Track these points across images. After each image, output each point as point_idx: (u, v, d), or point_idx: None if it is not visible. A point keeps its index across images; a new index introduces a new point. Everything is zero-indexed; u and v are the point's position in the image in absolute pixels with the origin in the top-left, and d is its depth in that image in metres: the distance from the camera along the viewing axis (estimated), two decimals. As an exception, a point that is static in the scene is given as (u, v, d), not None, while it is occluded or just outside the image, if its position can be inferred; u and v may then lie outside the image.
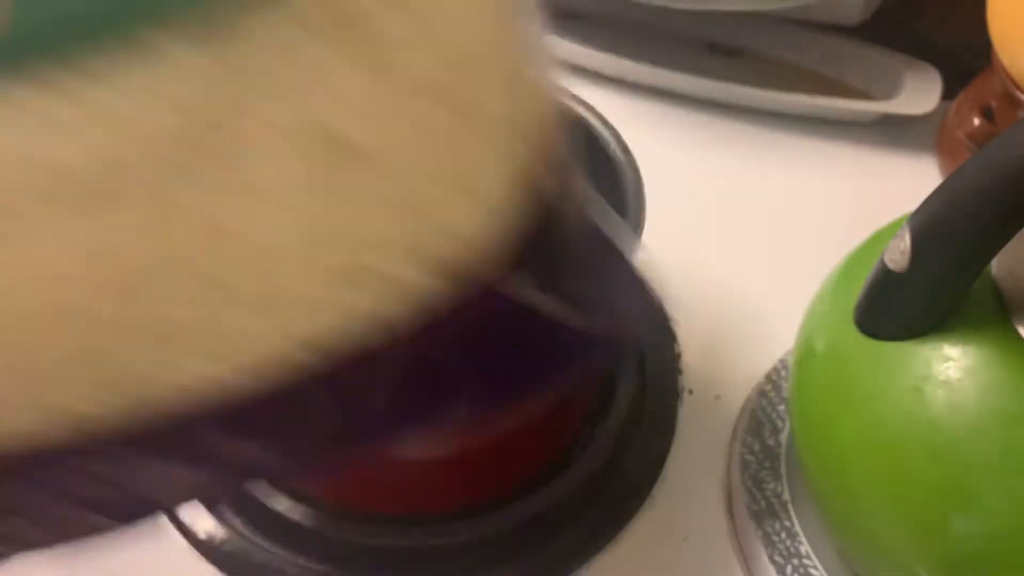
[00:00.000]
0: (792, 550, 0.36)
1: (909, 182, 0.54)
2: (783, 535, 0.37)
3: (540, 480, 0.38)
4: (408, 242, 0.18)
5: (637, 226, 0.33)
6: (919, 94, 0.56)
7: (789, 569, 0.36)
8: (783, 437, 0.40)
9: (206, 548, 0.38)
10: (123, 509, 0.24)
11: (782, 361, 0.43)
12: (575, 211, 0.23)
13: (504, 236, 0.20)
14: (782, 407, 0.41)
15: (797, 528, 0.37)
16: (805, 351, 0.33)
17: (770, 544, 0.37)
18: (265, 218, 0.17)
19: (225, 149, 0.16)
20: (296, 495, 0.38)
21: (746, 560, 0.38)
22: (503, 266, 0.20)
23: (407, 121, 0.17)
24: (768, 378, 0.43)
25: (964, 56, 0.57)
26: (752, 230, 0.51)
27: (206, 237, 0.17)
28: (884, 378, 0.29)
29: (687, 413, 0.43)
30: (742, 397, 0.43)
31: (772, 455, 0.39)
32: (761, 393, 0.42)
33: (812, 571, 0.36)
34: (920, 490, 0.28)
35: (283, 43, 0.16)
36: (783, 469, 0.39)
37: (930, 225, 0.27)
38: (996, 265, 0.29)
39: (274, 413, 0.20)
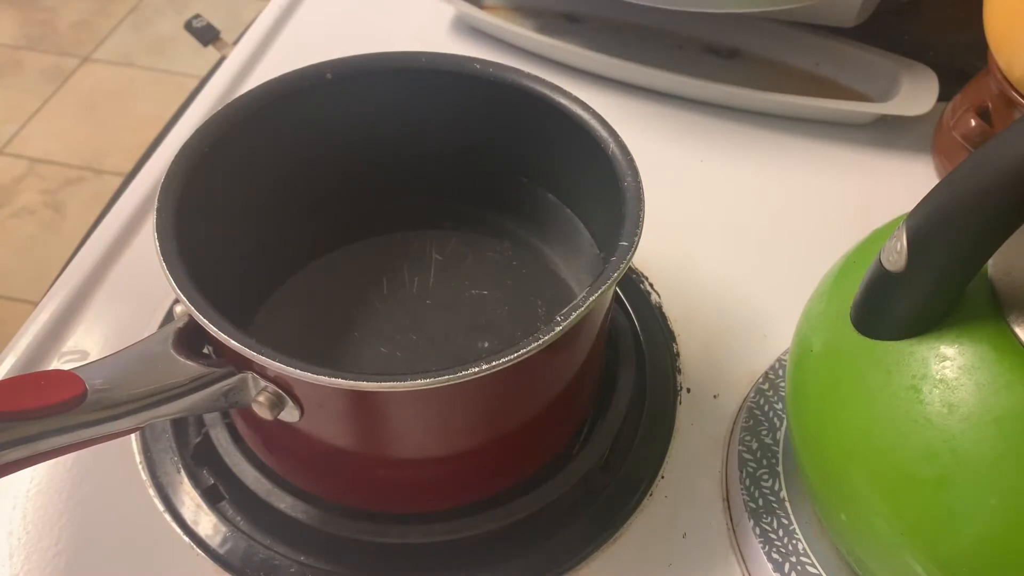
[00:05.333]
0: (789, 547, 0.37)
1: (905, 183, 0.54)
2: (780, 532, 0.37)
3: (540, 478, 0.39)
4: None
5: (636, 226, 0.33)
6: (916, 96, 0.56)
7: (787, 567, 0.36)
8: (780, 435, 0.40)
9: (208, 546, 0.38)
10: None
11: (780, 360, 0.43)
12: None
13: None
14: (780, 406, 0.41)
15: (794, 525, 0.37)
16: (802, 350, 0.34)
17: (767, 541, 0.37)
18: None
19: None
20: (297, 493, 0.38)
21: (744, 557, 0.38)
22: None
23: None
24: (766, 377, 0.43)
25: (960, 58, 0.57)
26: (750, 230, 0.52)
27: None
28: (881, 377, 0.29)
29: (686, 412, 0.43)
30: (740, 396, 0.43)
31: (770, 453, 0.40)
32: (759, 392, 0.42)
33: (809, 568, 0.36)
34: (916, 488, 0.28)
35: None
36: (780, 467, 0.39)
37: (926, 225, 0.27)
38: (992, 265, 0.29)
39: None
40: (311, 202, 0.43)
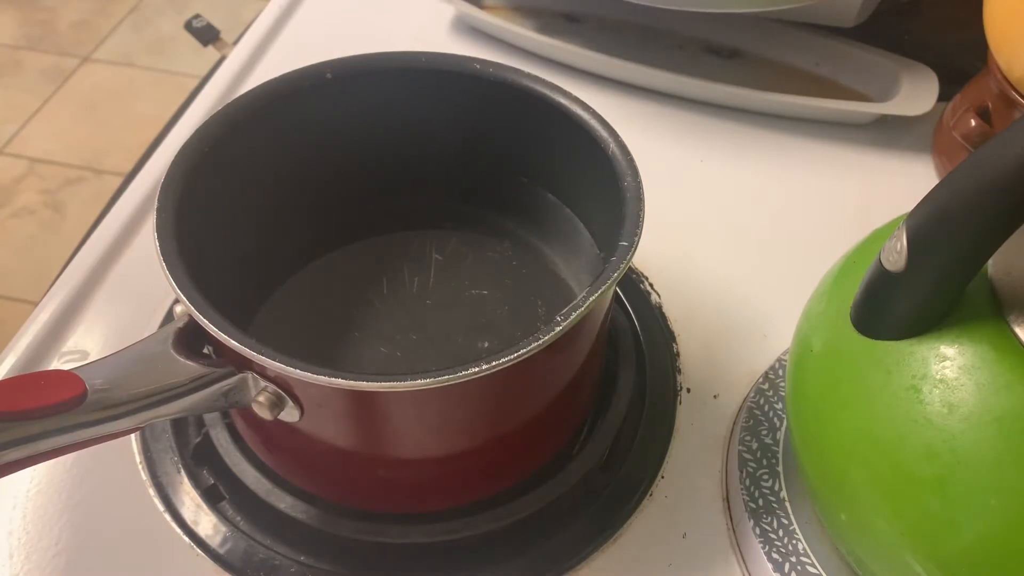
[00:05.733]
0: (789, 547, 0.37)
1: (905, 183, 0.54)
2: (780, 532, 0.37)
3: (540, 478, 0.39)
4: None
5: (636, 226, 0.33)
6: (916, 95, 0.56)
7: (787, 567, 0.36)
8: (780, 435, 0.40)
9: (208, 546, 0.38)
10: None
11: (780, 360, 0.43)
12: None
13: None
14: (780, 406, 0.41)
15: (794, 525, 0.37)
16: (802, 350, 0.34)
17: (767, 541, 0.37)
18: None
19: None
20: (297, 493, 0.38)
21: (744, 557, 0.38)
22: None
23: None
24: (766, 377, 0.43)
25: (960, 58, 0.57)
26: (750, 230, 0.52)
27: None
28: (881, 377, 0.29)
29: (686, 412, 0.43)
30: (740, 396, 0.43)
31: (770, 453, 0.40)
32: (759, 392, 0.42)
33: (809, 568, 0.36)
34: (916, 488, 0.28)
35: None
36: (780, 467, 0.39)
37: (926, 225, 0.27)
38: (992, 264, 0.29)
39: None
40: (311, 202, 0.43)
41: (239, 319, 0.30)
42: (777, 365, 0.43)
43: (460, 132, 0.42)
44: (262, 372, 0.31)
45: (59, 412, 0.28)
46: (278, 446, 0.37)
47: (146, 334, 0.32)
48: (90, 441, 0.29)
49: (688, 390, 0.44)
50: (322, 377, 0.28)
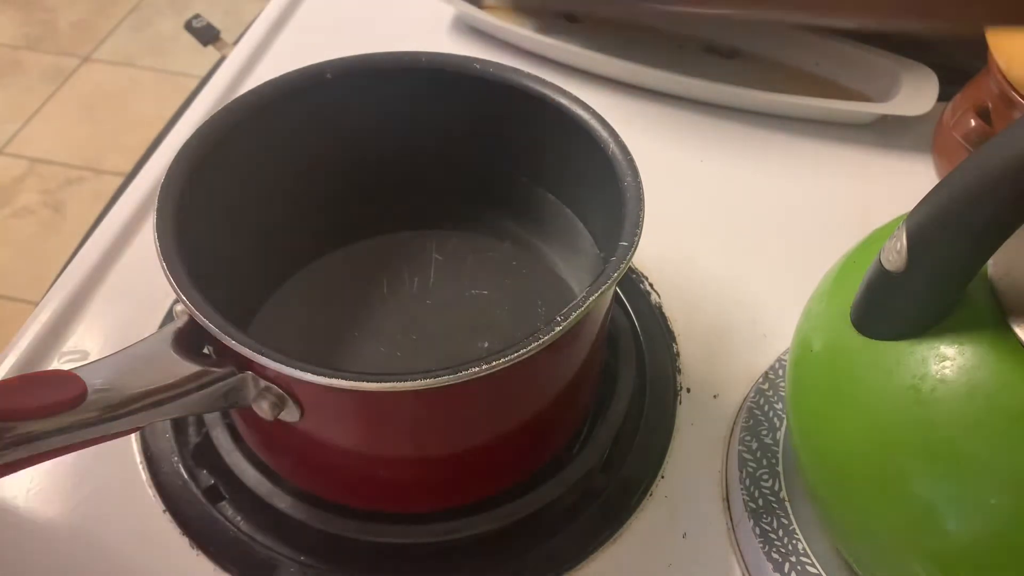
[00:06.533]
0: (789, 547, 0.37)
1: (905, 183, 0.54)
2: (780, 532, 0.37)
3: (541, 477, 0.39)
4: None
5: (636, 226, 0.33)
6: (916, 95, 0.56)
7: (787, 566, 0.36)
8: (780, 435, 0.40)
9: (208, 546, 0.38)
10: None
11: (780, 360, 0.43)
12: None
13: None
14: (780, 406, 0.41)
15: (794, 525, 0.37)
16: (802, 350, 0.34)
17: (767, 541, 0.37)
18: None
19: None
20: (297, 494, 0.38)
21: (744, 557, 0.38)
22: None
23: None
24: (766, 377, 0.43)
25: (960, 58, 0.57)
26: (750, 230, 0.52)
27: None
28: (880, 377, 0.29)
29: (686, 412, 0.43)
30: (740, 396, 0.43)
31: (770, 453, 0.40)
32: (759, 392, 0.42)
33: (809, 568, 0.36)
34: (916, 488, 0.28)
35: None
36: (780, 467, 0.39)
37: (926, 225, 0.27)
38: (992, 265, 0.29)
39: None
40: (311, 202, 0.43)
41: (239, 319, 0.30)
42: (777, 365, 0.43)
43: (460, 132, 0.42)
44: (262, 372, 0.31)
45: (59, 412, 0.28)
46: (278, 446, 0.37)
47: (146, 334, 0.32)
48: (90, 441, 0.29)
49: (688, 390, 0.44)
50: (322, 377, 0.28)
